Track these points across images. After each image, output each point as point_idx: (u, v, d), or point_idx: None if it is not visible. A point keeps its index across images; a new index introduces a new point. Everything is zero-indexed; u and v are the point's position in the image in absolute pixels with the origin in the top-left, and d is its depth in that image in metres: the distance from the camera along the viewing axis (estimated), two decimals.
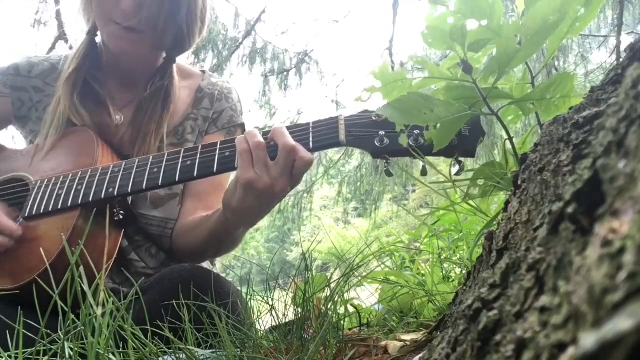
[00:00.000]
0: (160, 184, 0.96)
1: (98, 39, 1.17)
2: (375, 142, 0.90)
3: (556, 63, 4.48)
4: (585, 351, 0.14)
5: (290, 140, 0.88)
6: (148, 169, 0.98)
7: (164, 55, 1.18)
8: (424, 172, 0.87)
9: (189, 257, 1.14)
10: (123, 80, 1.19)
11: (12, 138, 1.30)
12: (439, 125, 0.70)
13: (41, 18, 4.70)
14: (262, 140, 0.89)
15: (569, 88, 0.65)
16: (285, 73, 5.48)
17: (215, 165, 0.94)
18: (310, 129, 0.93)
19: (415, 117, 0.68)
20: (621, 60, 0.40)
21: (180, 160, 0.97)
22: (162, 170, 0.96)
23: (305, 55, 5.51)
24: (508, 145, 0.69)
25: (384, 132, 0.90)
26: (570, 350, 0.17)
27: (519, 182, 0.44)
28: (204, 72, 1.29)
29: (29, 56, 1.24)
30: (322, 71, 5.58)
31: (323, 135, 0.92)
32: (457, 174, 0.83)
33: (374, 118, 0.92)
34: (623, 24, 3.11)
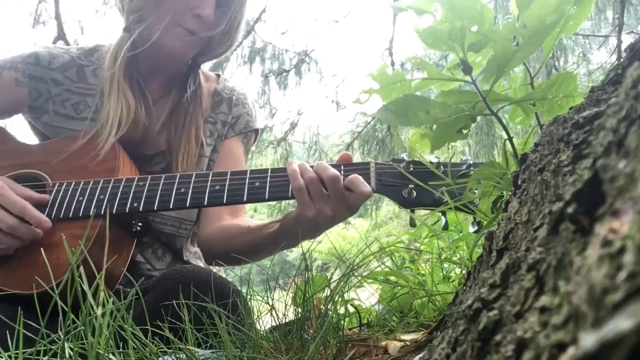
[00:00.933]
0: (187, 205, 0.96)
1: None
2: (403, 193, 0.92)
3: (556, 63, 4.48)
4: (585, 351, 0.14)
5: (335, 172, 0.91)
6: (175, 188, 0.97)
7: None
8: (445, 227, 0.91)
9: (221, 260, 1.17)
10: (151, 80, 1.19)
11: None
12: (435, 126, 0.70)
13: (40, 18, 4.69)
14: (315, 175, 0.91)
15: (571, 87, 0.65)
16: (285, 73, 5.48)
17: (245, 195, 0.95)
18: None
19: (411, 119, 0.68)
20: (621, 60, 0.40)
21: (209, 184, 0.97)
22: (190, 191, 0.96)
23: (306, 55, 5.51)
24: (508, 145, 0.69)
25: (412, 185, 0.91)
26: (570, 350, 0.17)
27: (519, 182, 0.44)
28: (218, 75, 1.30)
29: (49, 46, 1.22)
30: (322, 71, 5.58)
31: None
32: (476, 232, 0.83)
33: (402, 167, 0.94)
34: (624, 24, 3.11)
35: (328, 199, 0.90)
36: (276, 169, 0.97)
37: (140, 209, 0.96)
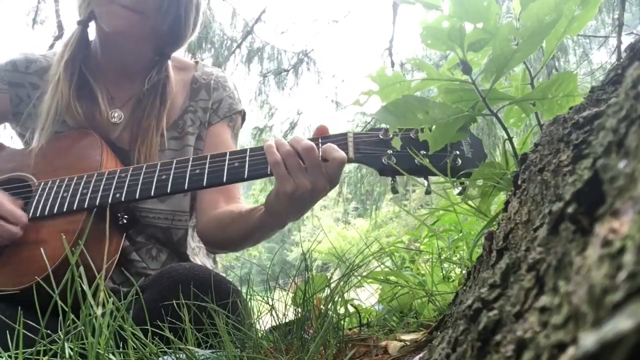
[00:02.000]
0: (168, 191, 0.96)
1: (92, 35, 1.16)
2: (383, 160, 0.92)
3: (557, 63, 4.48)
4: (585, 351, 0.14)
5: (309, 142, 0.91)
6: (156, 175, 0.98)
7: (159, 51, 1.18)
8: (427, 192, 0.90)
9: (221, 250, 1.17)
10: (120, 76, 1.18)
11: (11, 138, 1.30)
12: (434, 127, 0.70)
13: (40, 18, 4.69)
14: (291, 148, 0.90)
15: (571, 87, 0.65)
16: (284, 73, 5.48)
17: (225, 176, 0.94)
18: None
19: (410, 120, 0.68)
20: (621, 60, 0.40)
21: (189, 168, 0.97)
22: (171, 177, 0.97)
23: (305, 55, 5.51)
24: (508, 145, 0.69)
25: (391, 151, 0.92)
26: (570, 350, 0.17)
27: (519, 182, 0.44)
28: (197, 62, 1.28)
29: (26, 52, 1.22)
30: (322, 71, 5.58)
31: None
32: (460, 194, 0.84)
33: (381, 137, 0.94)
34: (623, 24, 3.11)
35: (306, 172, 0.89)
36: (255, 148, 0.97)
37: (123, 199, 0.96)
